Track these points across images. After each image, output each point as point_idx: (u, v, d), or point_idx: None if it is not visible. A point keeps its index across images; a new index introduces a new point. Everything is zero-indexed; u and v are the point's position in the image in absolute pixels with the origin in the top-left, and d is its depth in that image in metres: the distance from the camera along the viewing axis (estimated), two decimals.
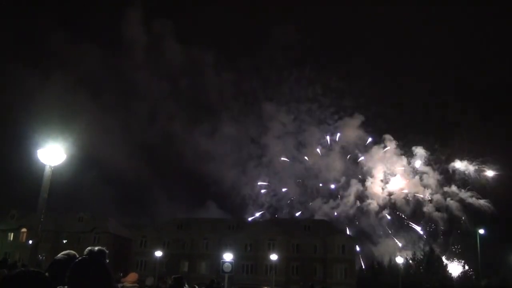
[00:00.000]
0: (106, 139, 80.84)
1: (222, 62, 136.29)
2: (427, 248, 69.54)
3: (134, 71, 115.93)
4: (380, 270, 64.67)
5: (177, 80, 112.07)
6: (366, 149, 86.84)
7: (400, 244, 74.39)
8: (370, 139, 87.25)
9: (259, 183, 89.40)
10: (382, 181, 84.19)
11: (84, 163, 62.57)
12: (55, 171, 8.48)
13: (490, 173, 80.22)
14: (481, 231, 40.36)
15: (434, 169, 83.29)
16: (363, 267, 70.75)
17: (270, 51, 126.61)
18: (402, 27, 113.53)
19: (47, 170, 8.28)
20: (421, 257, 66.39)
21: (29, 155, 9.14)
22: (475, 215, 77.54)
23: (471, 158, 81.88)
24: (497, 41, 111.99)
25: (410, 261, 65.74)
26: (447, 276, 63.25)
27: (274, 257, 48.41)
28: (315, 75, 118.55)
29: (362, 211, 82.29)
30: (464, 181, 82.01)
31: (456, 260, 71.73)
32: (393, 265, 59.11)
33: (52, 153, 8.16)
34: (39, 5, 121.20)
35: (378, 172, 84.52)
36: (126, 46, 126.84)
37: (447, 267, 66.46)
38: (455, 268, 69.36)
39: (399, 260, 48.19)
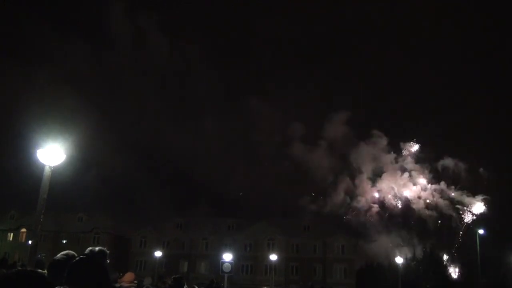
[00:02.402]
0: (102, 138, 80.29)
1: (209, 57, 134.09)
2: (420, 248, 69.39)
3: (121, 66, 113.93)
4: (380, 270, 64.62)
5: (164, 75, 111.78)
6: (354, 145, 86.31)
7: (394, 243, 73.89)
8: (358, 135, 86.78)
9: (250, 184, 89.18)
10: (370, 178, 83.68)
11: (82, 162, 62.32)
12: (55, 171, 8.48)
13: (482, 170, 79.43)
14: (481, 231, 40.38)
15: (423, 166, 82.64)
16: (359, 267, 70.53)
17: (258, 46, 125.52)
18: (392, 22, 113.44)
19: (47, 170, 8.28)
20: (421, 256, 66.31)
21: (28, 155, 9.15)
22: (466, 214, 77.13)
23: (461, 156, 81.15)
24: (493, 38, 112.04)
25: (412, 263, 65.45)
26: (447, 275, 63.27)
27: (273, 257, 48.44)
28: (304, 70, 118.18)
29: (352, 209, 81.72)
30: (454, 179, 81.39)
31: (455, 259, 71.59)
32: (393, 265, 59.11)
33: (52, 153, 8.17)
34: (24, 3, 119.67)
35: (367, 169, 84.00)
36: (112, 42, 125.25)
37: (446, 267, 66.40)
38: (454, 268, 69.32)
39: (399, 260, 48.19)
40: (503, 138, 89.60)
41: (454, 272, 69.01)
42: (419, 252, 67.83)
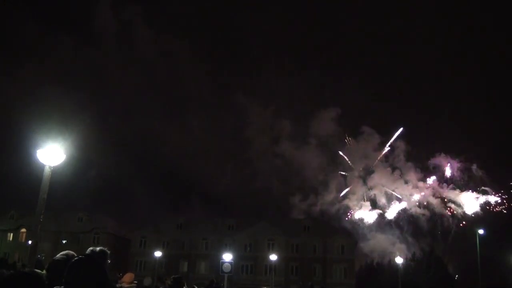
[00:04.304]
0: (100, 137, 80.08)
1: (199, 53, 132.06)
2: (416, 247, 69.13)
3: (109, 63, 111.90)
4: (380, 270, 64.61)
5: (152, 71, 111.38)
6: (345, 142, 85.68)
7: (388, 242, 73.41)
8: (350, 132, 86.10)
9: (243, 183, 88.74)
10: (361, 177, 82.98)
11: (82, 163, 62.32)
12: (55, 171, 8.47)
13: (475, 168, 78.40)
14: (481, 231, 40.27)
15: (415, 164, 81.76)
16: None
17: (248, 41, 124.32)
18: (386, 20, 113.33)
19: (47, 170, 8.27)
20: (420, 256, 66.22)
21: (28, 155, 9.14)
22: (458, 213, 76.46)
23: (454, 154, 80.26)
24: (489, 37, 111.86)
25: (412, 263, 65.31)
26: (447, 276, 63.22)
27: (273, 257, 48.41)
28: (295, 67, 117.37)
29: (344, 208, 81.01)
30: (446, 178, 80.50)
31: (453, 259, 71.39)
32: (392, 265, 59.10)
33: (52, 153, 8.15)
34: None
35: (358, 167, 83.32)
36: (99, 38, 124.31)
37: (446, 267, 66.27)
38: (453, 268, 69.15)
39: (398, 260, 48.16)
40: (496, 136, 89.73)
41: (453, 272, 68.84)
42: (418, 252, 67.73)
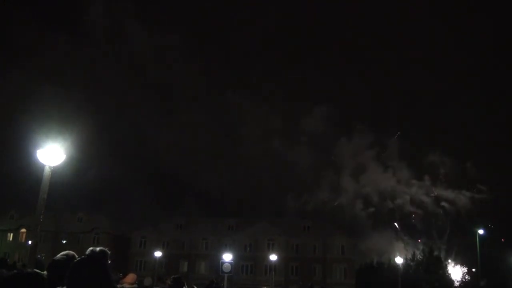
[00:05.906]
0: (98, 137, 79.74)
1: (197, 52, 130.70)
2: (413, 247, 69.12)
3: (110, 62, 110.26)
4: (379, 270, 64.54)
5: (152, 71, 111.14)
6: (337, 140, 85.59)
7: (383, 241, 73.19)
8: (342, 130, 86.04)
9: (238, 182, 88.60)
10: (353, 174, 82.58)
11: (82, 163, 62.17)
12: (55, 171, 8.47)
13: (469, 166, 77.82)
14: (481, 231, 40.28)
15: (408, 162, 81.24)
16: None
17: (248, 41, 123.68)
18: (384, 17, 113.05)
19: (47, 170, 8.27)
20: (420, 256, 66.12)
21: (28, 155, 9.14)
22: (452, 212, 76.08)
23: (448, 152, 79.65)
24: (486, 37, 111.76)
25: (412, 263, 65.17)
26: (447, 276, 63.18)
27: (273, 257, 48.44)
28: (288, 65, 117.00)
29: (337, 206, 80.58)
30: (439, 175, 79.95)
31: (452, 258, 71.28)
32: (392, 265, 59.04)
33: (52, 153, 8.15)
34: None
35: (350, 165, 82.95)
36: (99, 37, 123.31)
37: (446, 267, 66.20)
38: (454, 268, 69.08)
39: (398, 260, 48.16)
40: (494, 135, 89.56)
41: (453, 272, 68.75)
42: (417, 251, 67.61)
